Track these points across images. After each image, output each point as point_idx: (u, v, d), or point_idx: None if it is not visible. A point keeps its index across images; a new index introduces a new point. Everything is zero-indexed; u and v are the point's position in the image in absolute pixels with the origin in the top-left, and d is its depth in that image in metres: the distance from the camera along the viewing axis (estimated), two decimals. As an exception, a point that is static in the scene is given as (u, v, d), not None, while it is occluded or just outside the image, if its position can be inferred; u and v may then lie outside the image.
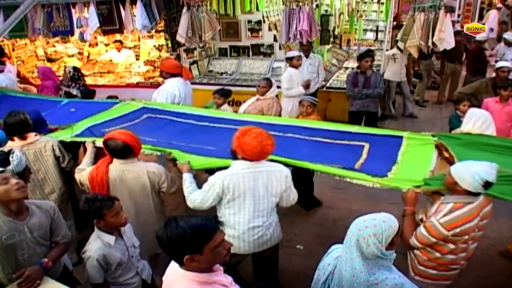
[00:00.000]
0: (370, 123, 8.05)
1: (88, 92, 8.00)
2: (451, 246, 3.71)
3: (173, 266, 2.73)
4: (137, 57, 12.58)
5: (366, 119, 8.35)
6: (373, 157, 4.57)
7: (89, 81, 11.38)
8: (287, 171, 4.21)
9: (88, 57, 12.94)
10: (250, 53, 12.02)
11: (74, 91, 7.70)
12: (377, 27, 13.08)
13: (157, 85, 10.11)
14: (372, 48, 11.52)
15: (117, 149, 4.32)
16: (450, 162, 4.27)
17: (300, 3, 9.35)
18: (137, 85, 10.72)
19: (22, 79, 9.86)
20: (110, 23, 9.98)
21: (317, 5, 10.69)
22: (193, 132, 5.45)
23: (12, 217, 3.48)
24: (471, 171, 3.50)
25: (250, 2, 10.89)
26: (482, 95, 7.63)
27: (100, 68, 12.21)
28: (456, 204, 3.60)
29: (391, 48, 10.31)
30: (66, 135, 5.28)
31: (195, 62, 11.27)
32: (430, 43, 8.79)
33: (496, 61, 9.52)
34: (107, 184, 4.38)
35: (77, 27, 10.42)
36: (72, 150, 5.44)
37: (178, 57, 10.69)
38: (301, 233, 6.27)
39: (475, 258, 4.29)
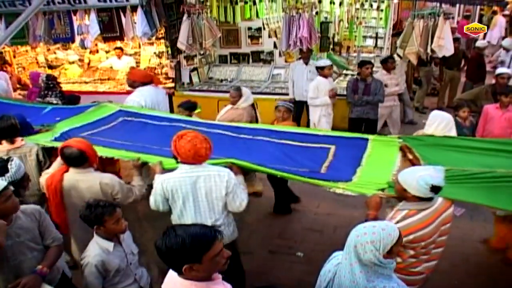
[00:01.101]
0: (370, 130, 8.02)
1: (73, 98, 8.05)
2: (411, 252, 3.70)
3: (172, 275, 2.71)
4: (138, 64, 12.56)
5: (365, 126, 8.36)
6: (339, 160, 4.64)
7: (89, 88, 11.41)
8: (228, 176, 4.20)
9: (88, 64, 12.94)
10: (250, 60, 12.02)
11: (54, 100, 7.69)
12: (377, 34, 13.11)
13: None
14: (372, 54, 11.52)
15: (72, 156, 4.30)
16: (414, 164, 4.36)
17: (300, 10, 9.37)
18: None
19: (23, 86, 9.83)
20: (111, 30, 9.97)
21: (316, 12, 10.71)
22: (166, 134, 5.43)
23: None
24: (416, 177, 3.53)
25: (250, 9, 10.94)
26: (482, 102, 7.62)
27: (100, 75, 12.21)
28: (410, 211, 3.61)
29: (391, 54, 10.31)
30: (46, 139, 5.34)
31: (195, 69, 11.26)
32: (429, 50, 8.80)
33: (495, 68, 9.53)
34: (61, 192, 4.35)
35: (78, 34, 10.42)
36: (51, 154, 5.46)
37: (178, 64, 10.71)
38: (301, 240, 6.24)
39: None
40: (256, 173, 6.49)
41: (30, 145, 5.14)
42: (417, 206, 3.61)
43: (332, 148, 4.90)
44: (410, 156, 4.55)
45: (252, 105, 7.17)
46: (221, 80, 11.51)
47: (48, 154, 5.26)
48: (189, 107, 6.95)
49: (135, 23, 9.63)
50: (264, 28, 11.55)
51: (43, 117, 6.30)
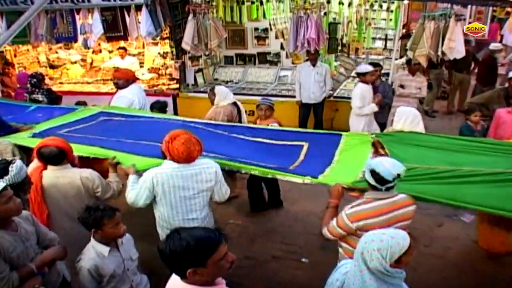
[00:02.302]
0: (378, 134, 8.01)
1: (54, 98, 8.19)
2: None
3: (175, 279, 2.69)
4: (141, 64, 12.62)
5: (374, 130, 8.32)
6: (310, 158, 4.76)
7: (91, 88, 11.45)
8: (216, 166, 4.43)
9: (91, 64, 13.01)
10: (257, 61, 12.08)
11: (40, 97, 7.82)
12: (386, 35, 13.11)
13: (161, 93, 10.19)
14: (381, 56, 11.52)
15: (52, 155, 4.37)
16: None
17: (308, 11, 9.38)
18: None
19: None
20: (115, 30, 10.00)
21: (325, 13, 10.72)
22: (142, 129, 5.66)
23: (7, 229, 3.44)
24: (368, 164, 3.78)
25: (257, 10, 10.95)
26: (494, 105, 7.57)
27: (103, 75, 12.26)
28: (367, 199, 3.78)
29: (400, 57, 10.31)
30: (23, 137, 5.48)
31: (200, 70, 11.31)
32: (439, 52, 8.77)
33: (509, 71, 9.49)
34: (42, 190, 4.40)
35: (80, 33, 10.46)
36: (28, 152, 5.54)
37: (183, 65, 10.74)
38: (305, 245, 6.23)
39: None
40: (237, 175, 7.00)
41: (5, 143, 5.25)
42: (374, 195, 3.77)
43: (305, 145, 5.05)
44: (382, 152, 4.71)
45: (235, 104, 7.26)
46: (227, 82, 11.56)
47: (26, 151, 5.30)
48: (160, 107, 7.16)
49: (140, 22, 9.67)
50: (271, 29, 11.60)
51: (27, 115, 6.46)
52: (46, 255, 3.68)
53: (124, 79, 7.13)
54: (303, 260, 5.95)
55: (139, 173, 4.61)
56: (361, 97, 7.77)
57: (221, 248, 2.58)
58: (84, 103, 7.47)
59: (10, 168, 3.82)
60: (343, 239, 3.91)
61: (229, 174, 6.59)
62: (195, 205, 4.44)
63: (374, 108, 7.81)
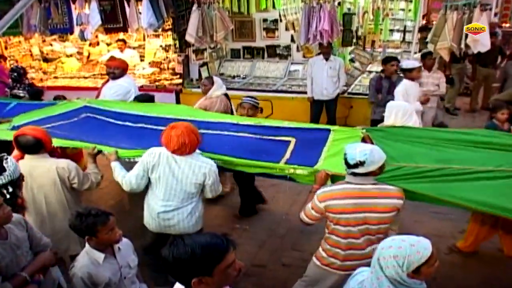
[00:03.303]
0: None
1: (34, 92, 8.22)
2: (332, 225, 4.07)
3: None
4: (142, 58, 12.66)
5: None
6: (296, 156, 4.89)
7: (88, 83, 11.49)
8: (209, 169, 4.65)
9: (88, 57, 13.06)
10: (265, 54, 12.08)
11: (21, 93, 7.87)
12: (405, 27, 13.09)
13: (163, 89, 10.22)
14: (399, 50, 11.48)
15: (29, 144, 4.60)
16: None
17: (321, 1, 9.33)
18: (142, 88, 10.59)
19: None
20: (113, 21, 10.03)
21: (339, 3, 10.69)
22: (126, 135, 5.74)
23: None
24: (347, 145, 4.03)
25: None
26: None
27: (101, 69, 12.31)
28: (342, 182, 4.05)
29: (419, 50, 10.26)
30: (2, 129, 5.64)
31: (205, 64, 11.33)
32: (463, 45, 8.71)
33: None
34: None
35: (77, 24, 10.49)
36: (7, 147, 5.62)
37: (186, 59, 10.77)
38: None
39: None
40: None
41: None
42: (347, 178, 4.01)
43: (292, 141, 5.18)
44: None
45: (226, 96, 7.42)
46: (233, 77, 11.59)
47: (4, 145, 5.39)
48: (145, 100, 7.17)
49: (140, 13, 9.69)
50: (281, 20, 11.56)
51: (6, 113, 6.51)
52: (37, 262, 3.68)
53: (121, 69, 7.28)
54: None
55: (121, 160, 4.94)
56: (403, 94, 7.63)
57: (229, 256, 2.54)
58: (63, 98, 7.46)
59: (5, 165, 3.84)
60: (328, 229, 4.16)
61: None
62: (174, 195, 4.70)
63: (419, 107, 7.66)
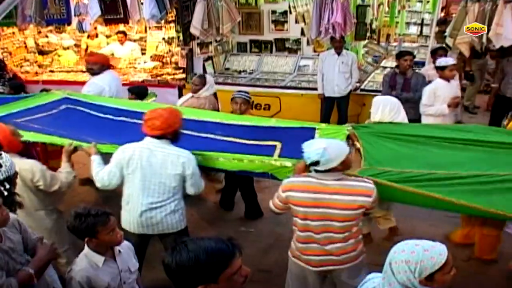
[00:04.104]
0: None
1: (15, 86, 8.25)
2: (293, 217, 4.23)
3: None
4: (143, 51, 12.68)
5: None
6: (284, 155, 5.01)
7: (86, 77, 11.44)
8: (186, 158, 4.73)
9: (86, 50, 13.02)
10: (274, 49, 12.07)
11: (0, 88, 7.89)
12: (422, 20, 13.06)
13: (165, 83, 10.23)
14: (415, 44, 11.45)
15: None
16: (359, 152, 4.91)
17: (333, -8, 9.34)
18: (143, 83, 10.66)
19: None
20: (114, 12, 10.02)
21: (352, -6, 10.65)
22: (106, 128, 5.85)
23: None
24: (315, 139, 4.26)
25: (275, -10, 10.93)
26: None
27: (100, 63, 12.27)
28: (304, 174, 4.23)
29: (437, 44, 10.22)
30: None
31: (210, 58, 11.33)
32: (484, 40, 8.68)
33: None
34: None
35: (75, 15, 10.54)
36: None
37: (190, 52, 10.76)
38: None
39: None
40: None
41: None
42: (310, 173, 4.14)
43: (278, 146, 5.26)
44: (358, 145, 5.00)
45: (215, 94, 7.47)
46: (240, 72, 11.60)
47: None
48: (138, 92, 7.32)
49: (142, 3, 9.68)
50: (290, 12, 11.54)
51: None
52: (41, 255, 3.69)
53: (99, 64, 7.31)
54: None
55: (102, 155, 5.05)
56: (430, 94, 7.52)
57: (235, 262, 2.53)
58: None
59: (0, 160, 3.86)
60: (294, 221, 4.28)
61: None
62: (153, 190, 4.75)
63: (444, 110, 7.45)
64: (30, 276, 3.48)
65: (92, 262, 3.68)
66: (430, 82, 8.50)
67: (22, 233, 3.73)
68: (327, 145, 3.94)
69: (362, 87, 10.37)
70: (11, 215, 3.70)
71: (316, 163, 3.93)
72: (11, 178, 3.85)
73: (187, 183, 4.82)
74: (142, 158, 4.66)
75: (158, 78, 11.10)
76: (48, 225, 5.02)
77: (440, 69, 7.60)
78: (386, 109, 5.70)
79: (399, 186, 4.29)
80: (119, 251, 3.85)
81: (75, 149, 5.16)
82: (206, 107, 7.02)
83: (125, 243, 3.95)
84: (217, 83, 10.16)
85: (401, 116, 5.77)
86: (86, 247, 3.72)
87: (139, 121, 5.63)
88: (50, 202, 5.13)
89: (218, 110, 7.36)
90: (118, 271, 3.80)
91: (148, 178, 4.71)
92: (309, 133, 5.31)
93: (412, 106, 8.06)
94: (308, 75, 11.16)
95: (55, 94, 6.71)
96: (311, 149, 3.95)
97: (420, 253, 2.74)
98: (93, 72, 7.36)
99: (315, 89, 9.82)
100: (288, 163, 4.73)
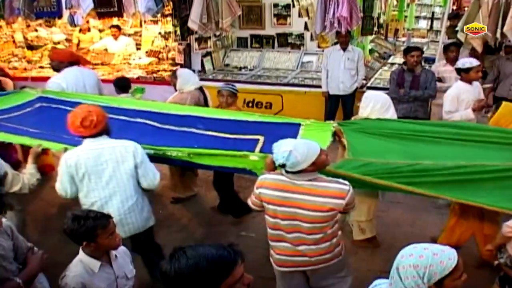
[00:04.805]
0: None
1: None
2: (265, 214, 4.31)
3: None
4: (138, 46, 12.69)
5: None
6: (266, 150, 5.03)
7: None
8: (133, 147, 4.80)
9: (78, 45, 13.08)
10: (276, 44, 12.09)
11: None
12: (433, 13, 13.07)
13: (161, 80, 10.23)
14: (425, 39, 11.45)
15: None
16: (344, 149, 5.09)
17: (339, -16, 9.34)
18: (138, 80, 10.72)
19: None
20: (107, 5, 9.97)
21: (359, -13, 10.65)
22: None
23: None
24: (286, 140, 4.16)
25: (277, -18, 10.93)
26: None
27: (92, 58, 12.28)
28: (277, 171, 4.31)
29: (448, 39, 10.23)
30: None
31: (208, 53, 11.34)
32: (498, 35, 8.66)
33: None
34: None
35: (66, 8, 10.43)
36: None
37: (188, 47, 10.76)
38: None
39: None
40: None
41: None
42: (282, 171, 4.17)
43: (261, 139, 5.38)
44: (344, 141, 5.14)
45: (201, 89, 7.52)
46: (240, 68, 11.63)
47: None
48: (121, 86, 7.44)
49: (137, -4, 9.70)
50: (293, 5, 11.52)
51: None
52: (32, 266, 3.73)
53: (57, 61, 7.31)
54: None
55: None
56: (453, 99, 7.22)
57: (237, 270, 2.50)
58: None
59: None
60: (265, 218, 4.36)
61: (191, 169, 7.54)
62: (114, 189, 4.77)
63: (469, 115, 7.10)
64: (18, 286, 3.50)
65: (87, 268, 3.65)
66: (440, 79, 8.53)
67: (14, 239, 3.73)
68: (293, 147, 3.95)
69: (369, 84, 10.35)
70: (5, 221, 3.74)
71: (284, 165, 4.00)
72: (1, 180, 3.86)
73: (139, 174, 4.83)
74: (90, 162, 4.66)
75: (154, 74, 11.09)
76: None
77: (464, 72, 7.27)
78: (377, 105, 5.89)
79: (384, 183, 4.49)
80: (116, 256, 3.83)
81: (44, 150, 5.26)
82: (188, 102, 7.08)
83: (122, 248, 3.94)
84: (216, 80, 10.30)
85: (390, 114, 5.94)
86: (81, 251, 3.69)
87: (119, 117, 5.84)
88: (17, 202, 5.16)
89: (205, 106, 7.44)
90: (115, 277, 3.78)
91: (105, 180, 4.74)
92: (293, 129, 5.45)
93: (421, 105, 8.11)
94: (311, 72, 11.19)
95: (29, 93, 6.78)
96: (279, 151, 4.01)
97: (429, 257, 2.73)
98: (54, 69, 7.46)
99: (319, 86, 9.83)
100: (254, 157, 4.86)
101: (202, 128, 5.73)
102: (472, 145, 5.04)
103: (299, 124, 5.55)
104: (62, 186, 4.75)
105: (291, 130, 5.41)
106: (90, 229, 3.53)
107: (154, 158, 5.13)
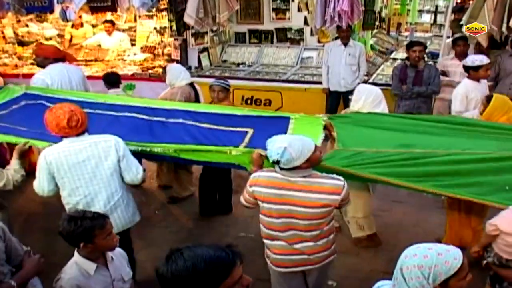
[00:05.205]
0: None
1: None
2: (260, 214, 4.36)
3: None
4: (133, 42, 12.66)
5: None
6: (254, 142, 5.17)
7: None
8: (115, 140, 4.84)
9: (70, 40, 13.04)
10: (274, 39, 12.10)
11: None
12: (436, 7, 13.06)
13: (157, 77, 10.23)
14: (428, 34, 11.45)
15: None
16: (333, 143, 5.20)
17: (339, -23, 9.34)
18: (132, 76, 10.74)
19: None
20: (101, -1, 10.02)
21: (360, -20, 10.65)
22: None
23: None
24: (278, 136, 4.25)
25: (276, -25, 10.93)
26: None
27: (85, 55, 12.34)
28: (271, 170, 4.32)
29: (453, 34, 10.23)
30: None
31: (205, 49, 11.34)
32: (504, 28, 8.64)
33: None
34: None
35: (57, 2, 10.41)
36: None
37: (184, 43, 10.77)
38: (334, 266, 6.22)
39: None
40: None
41: None
42: (276, 168, 4.22)
43: (250, 131, 5.47)
44: (334, 135, 5.26)
45: (192, 85, 7.57)
46: (238, 64, 11.62)
47: None
48: (110, 81, 7.59)
49: (131, -10, 9.69)
50: (292, 0, 11.58)
51: None
52: (28, 269, 3.72)
53: (42, 57, 7.36)
54: (330, 283, 5.95)
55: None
56: (462, 98, 7.13)
57: (236, 271, 2.49)
58: None
59: None
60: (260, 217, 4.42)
61: (186, 168, 7.70)
62: (98, 185, 4.80)
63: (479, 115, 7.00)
64: None
65: (83, 270, 3.62)
66: (444, 73, 8.54)
67: (6, 241, 3.70)
68: (288, 144, 3.98)
69: (371, 80, 10.33)
70: None
71: (278, 161, 4.03)
72: None
73: (122, 168, 4.87)
74: (72, 159, 4.68)
75: (149, 71, 11.06)
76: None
77: (473, 70, 7.18)
78: (369, 99, 6.02)
79: (374, 177, 4.58)
80: (112, 258, 3.80)
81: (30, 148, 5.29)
82: (178, 98, 7.16)
83: (118, 250, 3.91)
84: (213, 76, 10.22)
85: (381, 107, 6.06)
86: (76, 253, 3.66)
87: (106, 113, 5.93)
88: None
89: (196, 102, 7.49)
90: (111, 280, 3.76)
91: (89, 176, 4.76)
92: (283, 122, 5.55)
93: (424, 101, 8.11)
94: (312, 68, 11.20)
95: (14, 89, 6.79)
96: (273, 148, 4.04)
97: (434, 257, 2.73)
98: (38, 65, 7.53)
99: (320, 83, 9.86)
100: (235, 151, 4.92)
101: (190, 119, 5.80)
102: (465, 136, 5.16)
103: (289, 118, 5.64)
104: (39, 183, 4.76)
105: (280, 124, 5.51)
106: (87, 229, 3.49)
107: (143, 155, 5.24)
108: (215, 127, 5.65)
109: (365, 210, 6.27)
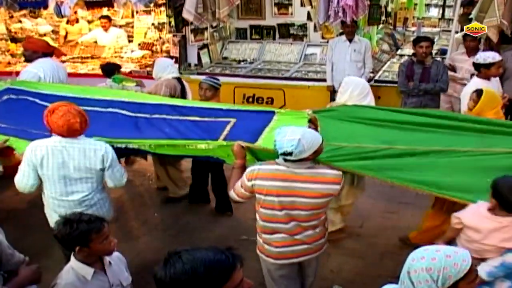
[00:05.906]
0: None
1: None
2: (259, 208, 4.47)
3: None
4: (130, 38, 12.66)
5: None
6: (236, 131, 5.34)
7: (66, 68, 11.50)
8: (104, 151, 4.93)
9: (65, 37, 13.03)
10: (277, 35, 12.09)
11: None
12: (444, 1, 13.03)
13: (155, 75, 10.21)
14: (436, 29, 11.44)
15: None
16: None
17: (344, -30, 9.34)
18: (130, 74, 10.68)
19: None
20: (96, -6, 10.03)
21: (365, -27, 10.65)
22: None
23: None
24: (280, 128, 4.37)
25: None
26: None
27: (81, 51, 12.34)
28: (272, 161, 4.42)
29: (461, 29, 10.23)
30: None
31: (205, 46, 11.33)
32: (515, 23, 8.64)
33: None
34: None
35: (52, -3, 10.47)
36: None
37: (183, 39, 10.77)
38: (339, 270, 6.23)
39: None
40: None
41: None
42: (279, 160, 4.35)
43: (232, 121, 5.60)
44: (319, 129, 5.28)
45: (179, 80, 7.70)
46: (239, 61, 11.62)
47: None
48: (106, 70, 7.82)
49: (128, -16, 9.71)
50: (295, -6, 11.57)
51: None
52: (23, 277, 3.72)
53: (31, 51, 7.44)
54: (336, 287, 5.99)
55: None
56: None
57: (236, 274, 2.50)
58: None
59: None
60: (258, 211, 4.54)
61: (174, 165, 7.79)
62: (76, 185, 4.95)
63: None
64: None
65: (79, 275, 3.60)
66: (451, 67, 8.54)
67: None
68: (301, 135, 4.12)
69: (377, 77, 10.38)
70: None
71: (289, 153, 4.12)
72: None
73: (106, 175, 5.02)
74: (57, 157, 4.80)
75: (148, 68, 10.99)
76: None
77: (485, 67, 7.17)
78: (355, 91, 6.20)
79: (352, 170, 4.89)
80: (110, 262, 3.79)
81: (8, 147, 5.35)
82: (163, 90, 7.31)
83: (116, 254, 3.90)
84: (214, 74, 10.23)
85: (367, 100, 6.22)
86: (72, 258, 3.65)
87: (93, 109, 5.96)
88: None
89: (183, 97, 7.57)
90: (109, 285, 3.74)
91: (68, 174, 4.86)
92: (267, 116, 5.66)
93: (431, 98, 8.11)
94: (315, 65, 11.21)
95: None
96: (284, 139, 4.14)
97: (442, 260, 2.71)
98: (26, 59, 7.61)
99: (324, 80, 9.85)
100: (202, 145, 5.08)
101: (175, 113, 5.91)
102: (449, 133, 5.26)
103: (273, 112, 5.78)
104: (23, 177, 4.87)
105: (264, 117, 5.64)
106: (83, 233, 3.48)
107: (122, 151, 5.34)
108: (198, 118, 5.77)
109: (347, 197, 6.47)
